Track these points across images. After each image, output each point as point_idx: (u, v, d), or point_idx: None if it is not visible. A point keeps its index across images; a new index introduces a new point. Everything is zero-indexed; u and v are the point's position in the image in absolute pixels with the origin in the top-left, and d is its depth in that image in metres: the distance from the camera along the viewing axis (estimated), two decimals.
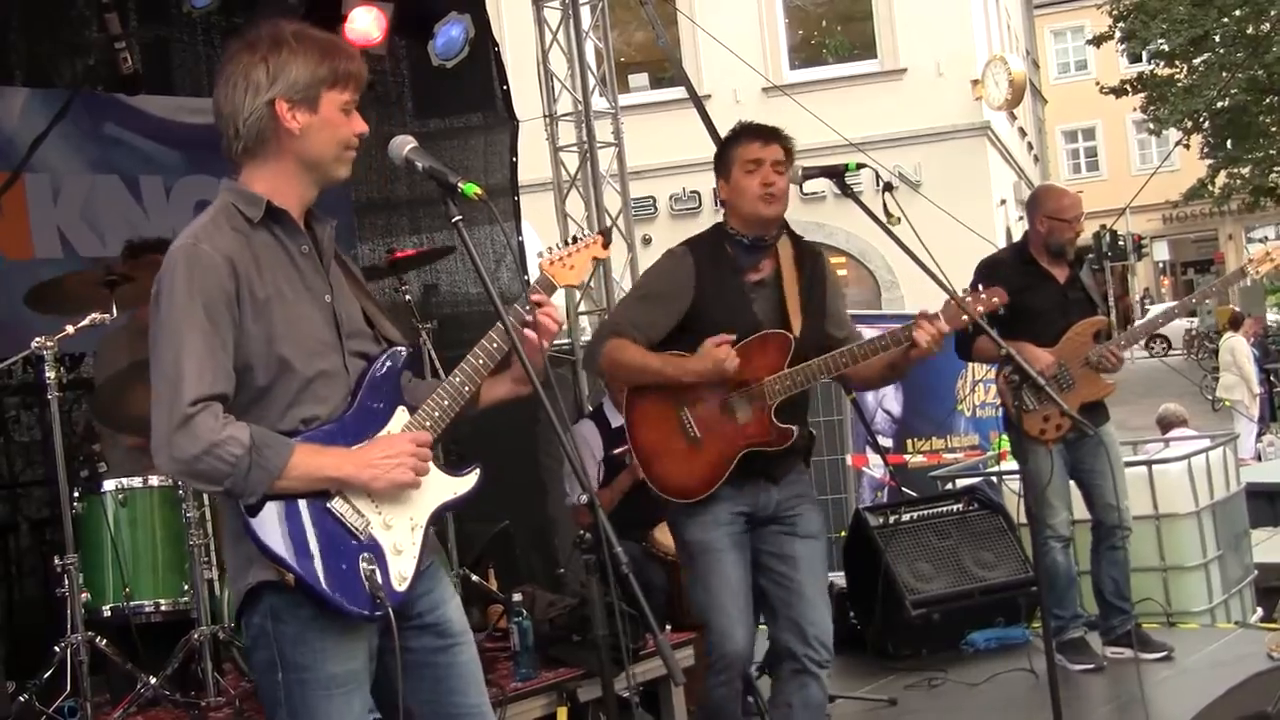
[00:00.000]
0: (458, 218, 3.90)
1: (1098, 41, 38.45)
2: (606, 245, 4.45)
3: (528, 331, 3.96)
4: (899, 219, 5.80)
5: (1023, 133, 31.51)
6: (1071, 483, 7.94)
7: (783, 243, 5.82)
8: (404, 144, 4.01)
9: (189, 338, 3.52)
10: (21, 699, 5.96)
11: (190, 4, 8.22)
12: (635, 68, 24.57)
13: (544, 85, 11.14)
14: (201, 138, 8.74)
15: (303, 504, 3.65)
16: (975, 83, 22.95)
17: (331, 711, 3.71)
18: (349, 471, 3.67)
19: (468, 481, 4.00)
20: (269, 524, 3.60)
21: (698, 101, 10.83)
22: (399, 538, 3.77)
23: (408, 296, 7.11)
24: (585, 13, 11.09)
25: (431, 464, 3.84)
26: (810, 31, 25.42)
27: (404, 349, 3.96)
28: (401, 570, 3.76)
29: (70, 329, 6.01)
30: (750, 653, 5.81)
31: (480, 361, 3.92)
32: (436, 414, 3.87)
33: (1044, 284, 7.82)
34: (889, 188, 5.84)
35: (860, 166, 5.77)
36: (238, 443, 3.51)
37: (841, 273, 23.58)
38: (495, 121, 10.65)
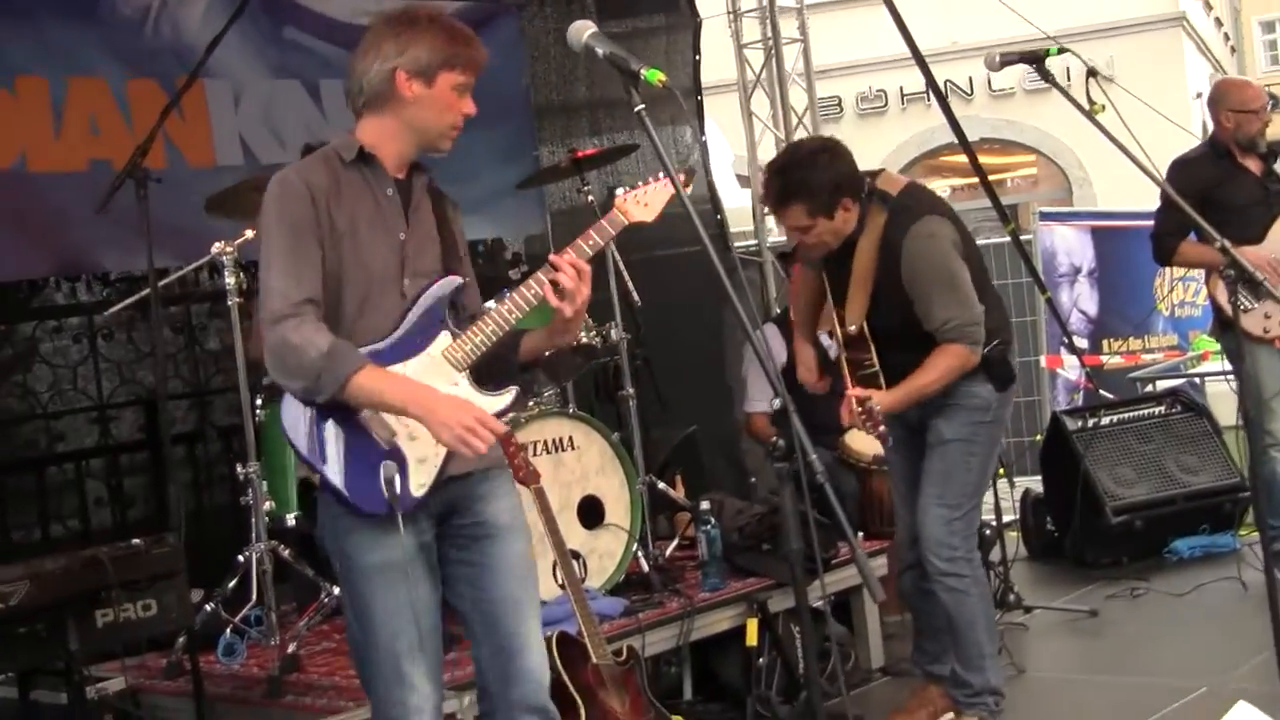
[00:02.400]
0: (640, 106, 3.75)
1: None
2: (688, 184, 4.63)
3: (557, 302, 4.10)
4: (1103, 107, 5.46)
5: (1219, 23, 30.50)
6: None
7: (871, 222, 5.58)
8: (583, 29, 3.88)
9: (278, 252, 3.94)
10: (207, 608, 5.88)
11: None
12: None
13: None
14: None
15: (332, 414, 3.97)
16: None
17: (375, 595, 4.03)
18: (416, 409, 3.91)
19: (501, 401, 4.11)
20: (298, 427, 3.99)
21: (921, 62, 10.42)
22: (424, 450, 3.99)
23: (590, 198, 6.88)
24: None
25: (466, 381, 4.07)
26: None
27: (457, 279, 4.20)
28: (421, 479, 4.01)
29: (249, 233, 5.88)
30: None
31: (531, 292, 4.08)
32: (477, 339, 4.09)
33: (1241, 177, 7.47)
34: (1092, 73, 5.47)
35: (1062, 51, 5.40)
36: (315, 347, 3.83)
37: (1031, 170, 23.05)
38: (677, 20, 10.38)
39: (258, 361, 6.57)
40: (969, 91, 23.01)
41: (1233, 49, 35.95)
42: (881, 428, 5.31)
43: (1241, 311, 7.17)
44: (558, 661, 5.19)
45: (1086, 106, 5.36)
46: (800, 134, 10.70)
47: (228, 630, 5.92)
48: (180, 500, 5.65)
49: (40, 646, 4.67)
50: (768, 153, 10.66)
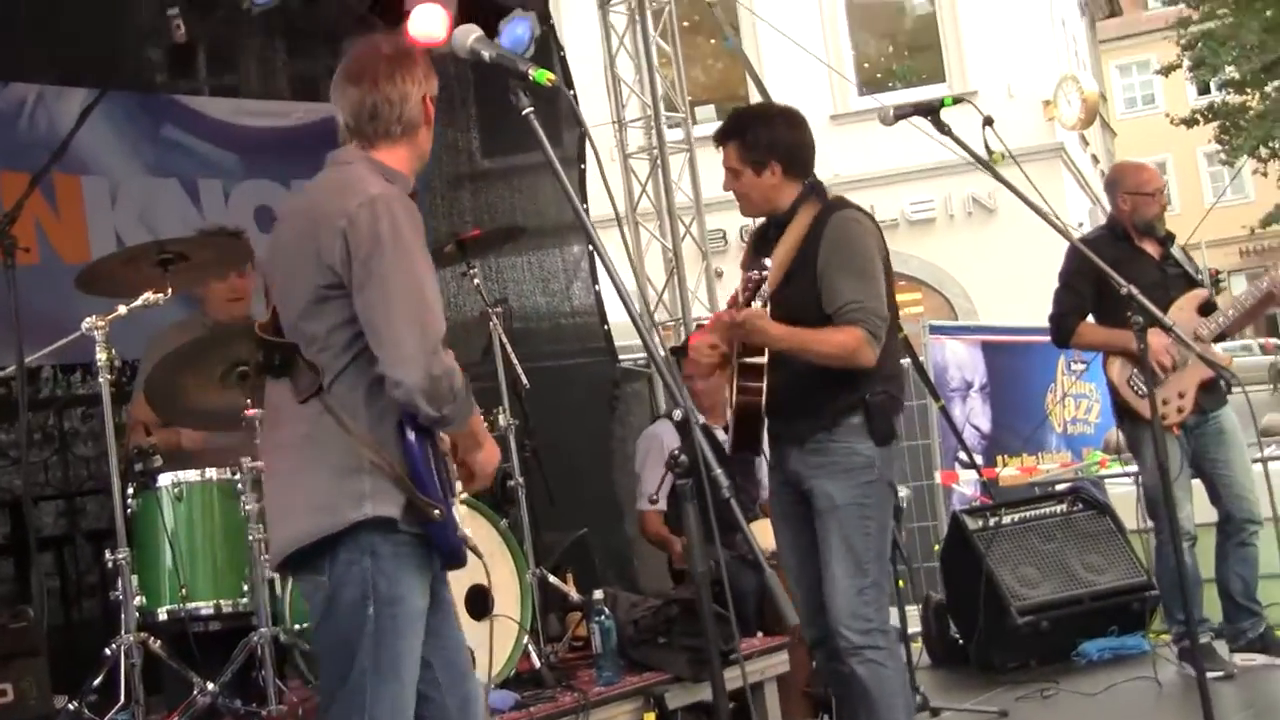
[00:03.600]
0: (528, 109, 3.77)
1: (1166, 71, 37.95)
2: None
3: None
4: (1002, 156, 5.39)
5: (1095, 159, 31.00)
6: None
7: (805, 210, 5.45)
8: (468, 34, 3.91)
9: (427, 275, 3.89)
10: (70, 706, 5.54)
11: (251, 1, 7.94)
12: (702, 102, 24.23)
13: (611, 90, 10.83)
14: (261, 141, 8.62)
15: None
16: (1047, 103, 22.51)
17: (414, 644, 3.92)
18: (489, 448, 4.24)
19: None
20: (423, 462, 3.86)
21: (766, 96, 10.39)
22: None
23: (475, 280, 6.73)
24: (650, 19, 10.77)
25: None
26: (876, 59, 25.13)
27: None
28: None
29: (123, 309, 5.69)
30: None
31: None
32: None
33: (1139, 260, 7.40)
34: (989, 122, 5.38)
35: (958, 101, 5.33)
36: (460, 376, 3.86)
37: (918, 303, 23.17)
38: (561, 155, 10.21)
39: (133, 446, 6.38)
40: None
41: None
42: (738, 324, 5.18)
43: (1137, 396, 7.15)
44: None
45: (984, 155, 5.24)
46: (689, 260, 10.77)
47: None
48: (43, 586, 5.36)
49: None
50: (655, 271, 10.66)
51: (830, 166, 20.97)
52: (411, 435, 3.86)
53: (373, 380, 3.86)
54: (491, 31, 9.22)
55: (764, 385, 5.31)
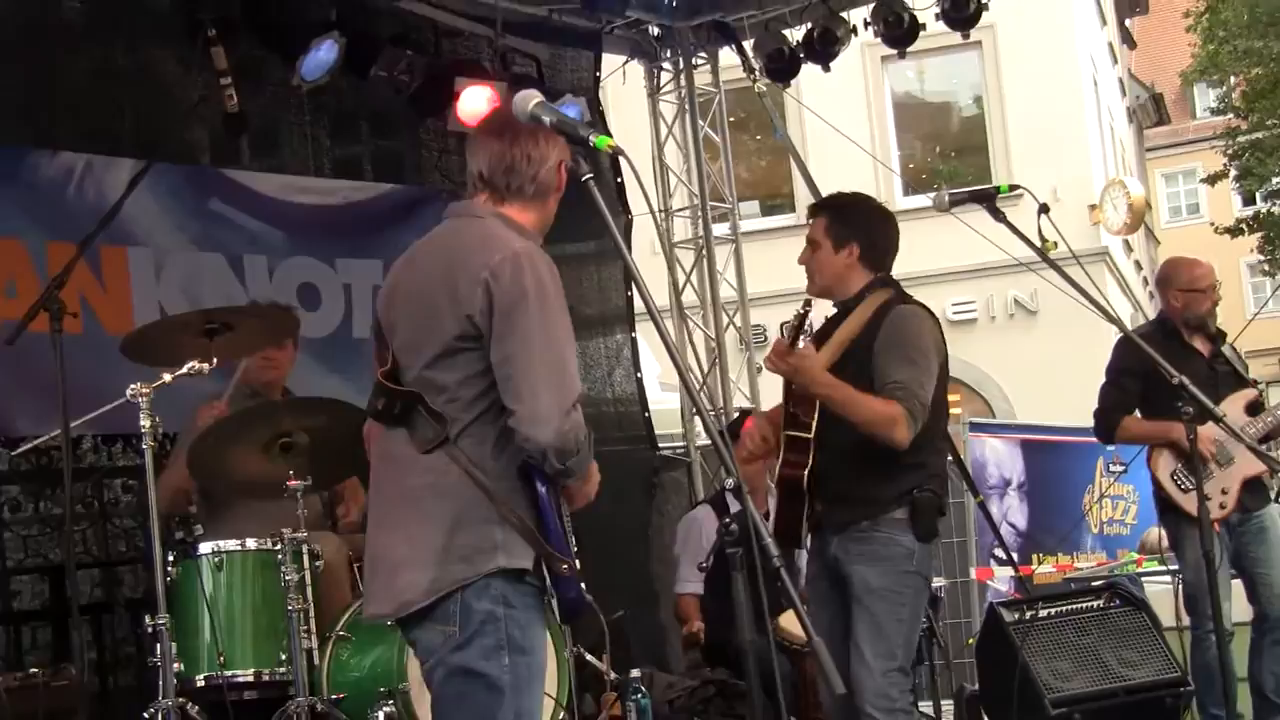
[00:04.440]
0: (588, 175, 3.80)
1: (1212, 180, 37.84)
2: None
3: None
4: (1055, 244, 5.41)
5: (1139, 266, 30.95)
6: None
7: (871, 299, 5.56)
8: (529, 99, 3.89)
9: (567, 335, 3.93)
10: None
11: (301, 77, 8.05)
12: (747, 197, 24.34)
13: (659, 179, 10.92)
14: (307, 218, 8.70)
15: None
16: (1093, 208, 22.37)
17: (540, 701, 3.99)
18: (593, 478, 4.13)
19: None
20: (553, 516, 3.89)
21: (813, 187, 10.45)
22: None
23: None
24: (698, 108, 10.89)
25: None
26: (922, 160, 25.19)
27: None
28: None
29: (167, 377, 5.75)
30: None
31: None
32: None
33: (1188, 357, 7.34)
34: (1044, 209, 5.42)
35: (1014, 189, 5.38)
36: (584, 432, 3.87)
37: (954, 398, 23.05)
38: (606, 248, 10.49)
39: (175, 519, 6.43)
40: None
41: (1151, 294, 36.53)
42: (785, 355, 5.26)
43: (1182, 492, 7.13)
44: None
45: (1038, 243, 5.28)
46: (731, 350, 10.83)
47: None
48: (84, 650, 5.39)
49: None
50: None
51: None
52: (542, 488, 3.88)
53: (500, 433, 3.86)
54: None
55: (809, 461, 5.41)
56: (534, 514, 3.88)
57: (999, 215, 5.39)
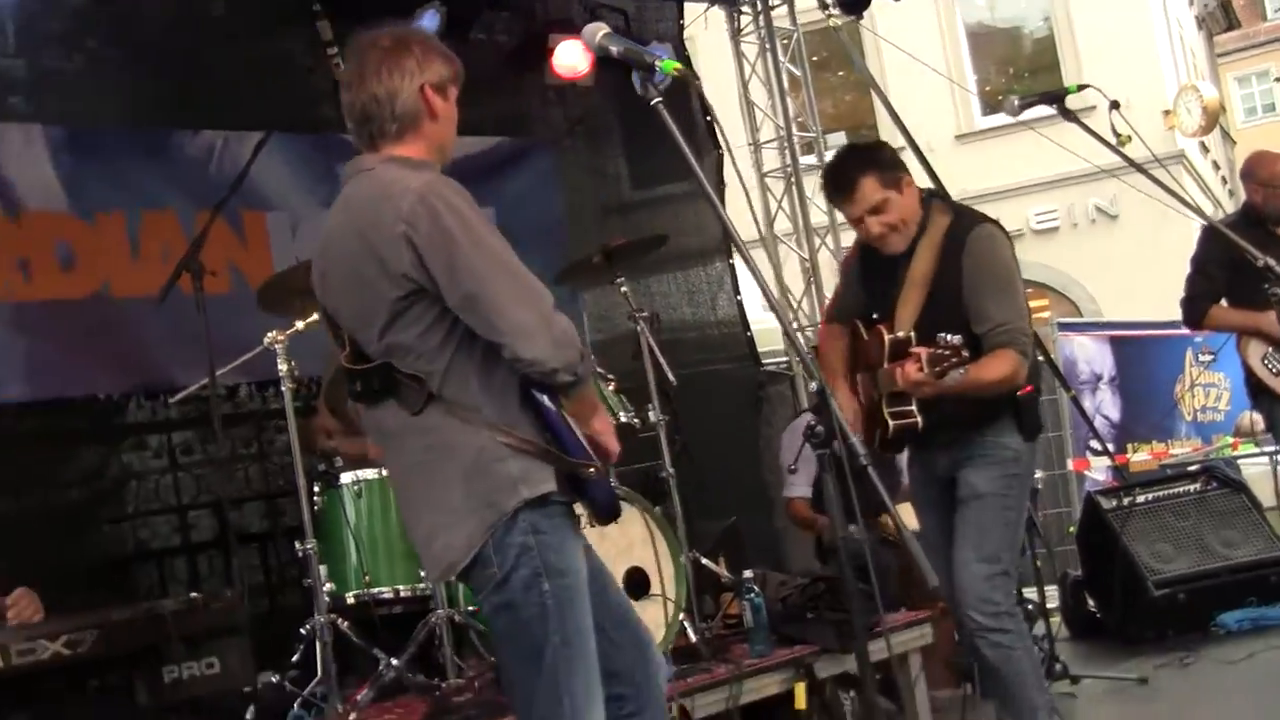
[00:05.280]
0: (657, 99, 3.65)
1: None
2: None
3: None
4: (1129, 138, 5.27)
5: (1216, 166, 30.27)
6: None
7: (935, 222, 5.26)
8: (596, 31, 3.80)
9: (505, 247, 3.62)
10: (273, 679, 5.73)
11: None
12: (833, 130, 24.12)
13: (746, 115, 10.87)
14: None
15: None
16: (1167, 113, 21.88)
17: (588, 609, 3.73)
18: (601, 413, 3.93)
19: None
20: (562, 425, 3.68)
21: (908, 135, 10.34)
22: None
23: (623, 289, 6.76)
24: (779, 46, 10.81)
25: None
26: (997, 81, 24.79)
27: None
28: None
29: (300, 324, 5.86)
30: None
31: None
32: None
33: (1272, 245, 7.10)
34: (1115, 105, 5.27)
35: (1083, 88, 5.22)
36: (574, 329, 3.64)
37: (1043, 303, 22.79)
38: (700, 151, 10.36)
39: (320, 450, 6.53)
40: None
41: (1230, 192, 35.86)
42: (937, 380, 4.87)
43: (1272, 374, 6.98)
44: None
45: (1112, 140, 5.15)
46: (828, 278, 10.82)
47: (295, 704, 5.73)
48: (243, 571, 5.49)
49: (109, 702, 4.43)
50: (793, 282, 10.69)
51: (958, 183, 20.60)
52: (546, 401, 3.66)
53: (479, 366, 3.63)
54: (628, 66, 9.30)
55: (915, 405, 5.19)
56: (544, 432, 3.67)
57: (1070, 115, 5.26)
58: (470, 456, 3.63)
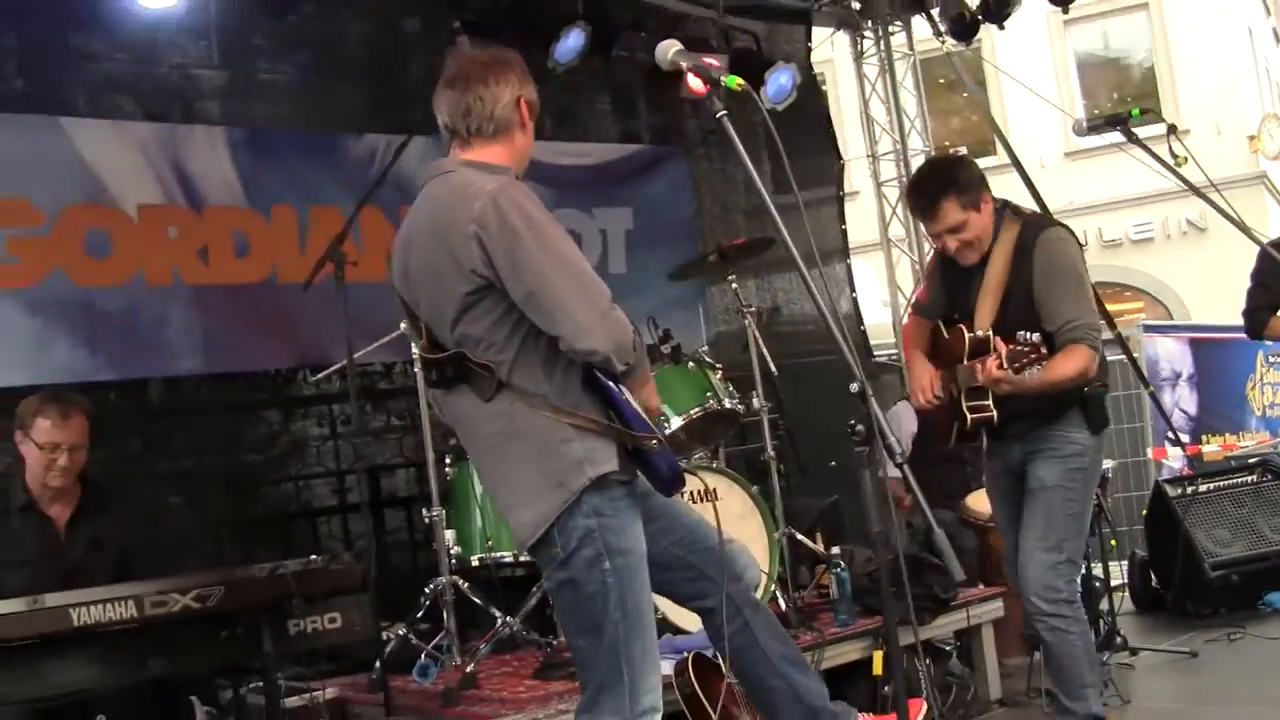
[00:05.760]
0: (722, 112, 3.41)
1: None
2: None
3: None
4: (1185, 159, 4.86)
5: None
6: None
7: (1006, 229, 4.90)
8: (669, 48, 3.52)
9: (569, 246, 3.43)
10: (399, 632, 5.53)
11: (555, 61, 7.86)
12: (954, 146, 23.52)
13: (865, 128, 10.47)
14: (568, 176, 8.49)
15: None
16: (1251, 138, 21.34)
17: (647, 585, 3.53)
18: (649, 386, 3.66)
19: None
20: (624, 402, 3.46)
21: (1013, 154, 9.88)
22: None
23: (734, 285, 6.43)
24: (900, 66, 10.39)
25: None
26: (1102, 103, 24.06)
27: None
28: None
29: None
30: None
31: None
32: None
33: None
34: (1172, 130, 4.87)
35: (1145, 112, 4.82)
36: (632, 327, 3.44)
37: (1139, 310, 22.10)
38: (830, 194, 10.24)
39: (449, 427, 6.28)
40: (1085, 244, 22.04)
41: None
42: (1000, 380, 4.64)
43: None
44: (693, 678, 4.65)
45: (1170, 161, 4.75)
46: None
47: (422, 654, 5.52)
48: (371, 535, 5.28)
49: (239, 648, 4.25)
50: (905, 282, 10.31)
51: (1066, 195, 20.18)
52: (608, 381, 3.45)
53: (545, 356, 3.43)
54: (759, 81, 8.95)
55: (992, 400, 4.86)
56: (607, 410, 3.45)
57: (1132, 136, 4.85)
58: (540, 439, 3.44)
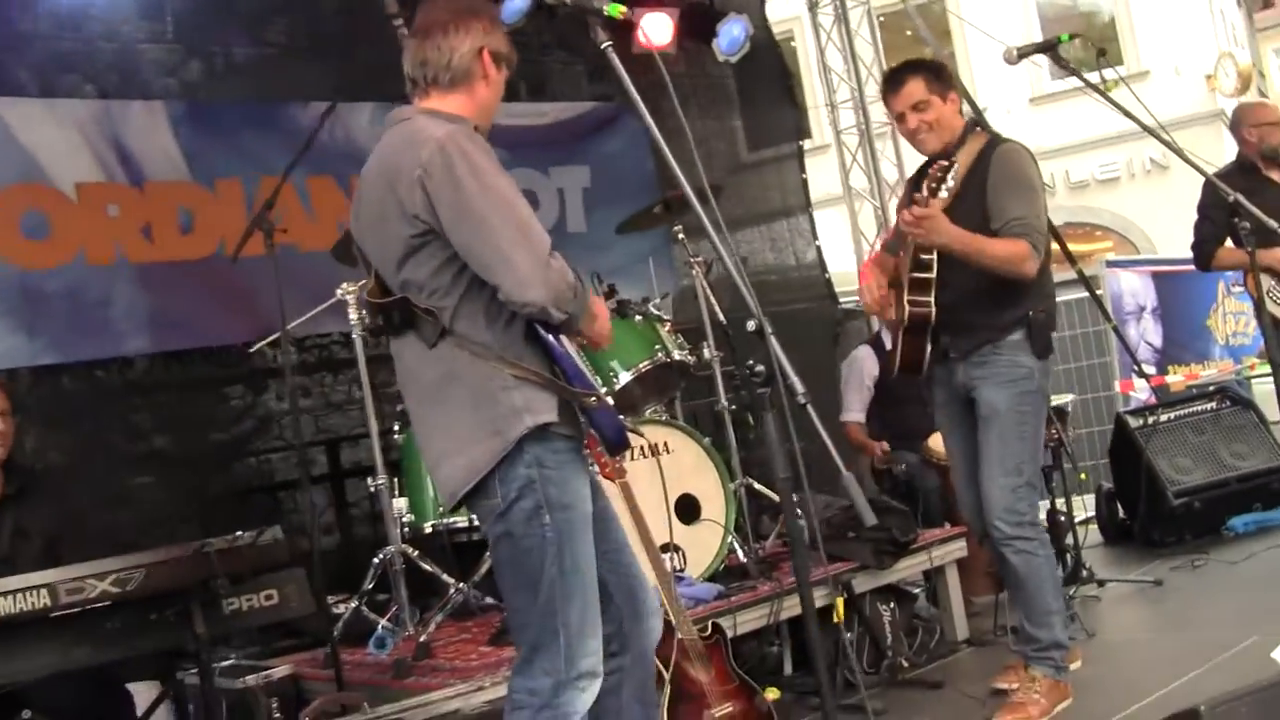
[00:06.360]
0: (607, 44, 3.25)
1: None
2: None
3: None
4: (1115, 83, 4.61)
5: None
6: None
7: (973, 140, 4.78)
8: None
9: (515, 195, 3.23)
10: (351, 605, 5.21)
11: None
12: None
13: (823, 78, 10.12)
14: (523, 137, 8.09)
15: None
16: (1209, 77, 21.13)
17: (590, 544, 3.31)
18: (601, 313, 3.45)
19: None
20: (566, 358, 3.28)
21: (973, 104, 9.56)
22: None
23: (680, 235, 6.09)
24: (855, 15, 10.02)
25: None
26: (1066, 51, 23.74)
27: None
28: None
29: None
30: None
31: None
32: None
33: (1267, 187, 6.43)
34: (1102, 53, 4.60)
35: (1074, 37, 4.56)
36: (571, 273, 3.23)
37: (1107, 245, 21.76)
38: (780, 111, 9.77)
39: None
40: (1051, 186, 21.87)
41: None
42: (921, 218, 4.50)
43: (1273, 301, 6.27)
44: None
45: (1100, 85, 4.46)
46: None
47: (380, 626, 5.22)
48: (314, 509, 4.97)
49: (171, 631, 3.90)
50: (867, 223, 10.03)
51: (1032, 139, 19.72)
52: (552, 338, 3.26)
53: (487, 305, 3.23)
54: (710, 34, 8.59)
55: (933, 299, 4.70)
56: (549, 364, 3.27)
57: (1061, 62, 4.58)
58: (478, 385, 3.24)
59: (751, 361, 2.84)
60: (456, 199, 3.16)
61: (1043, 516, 6.78)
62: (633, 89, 3.17)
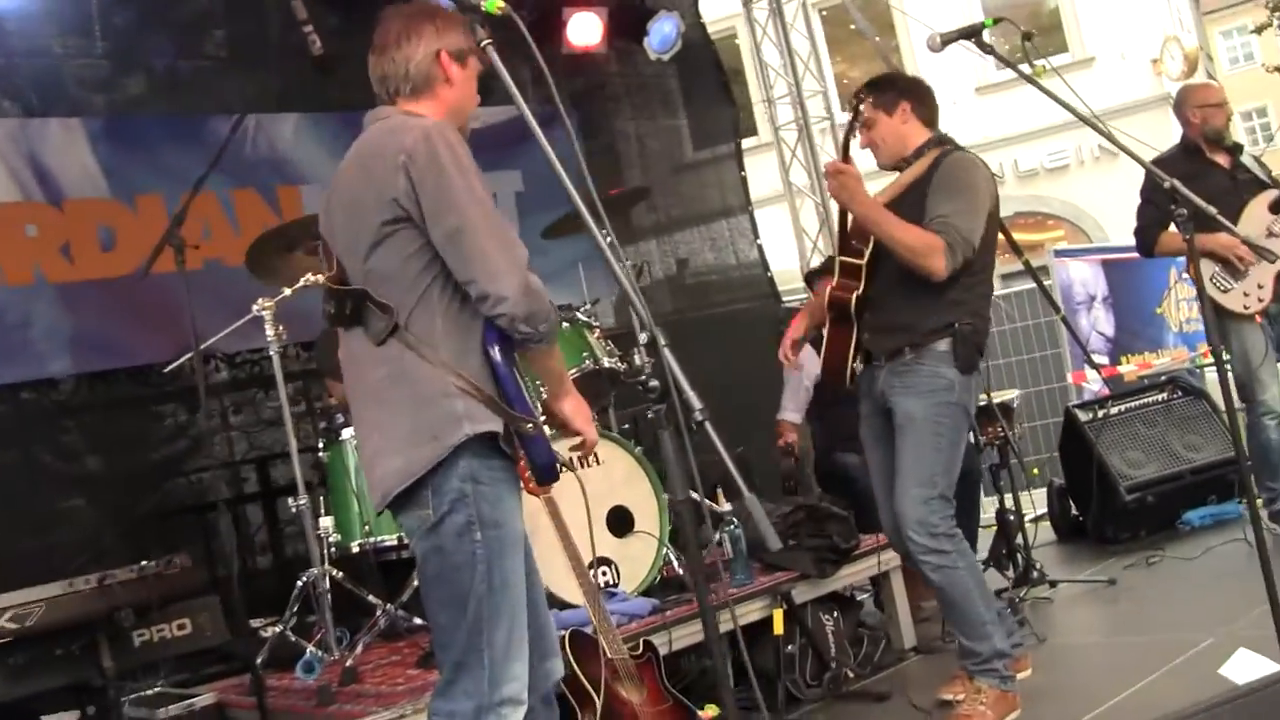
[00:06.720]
0: (486, 41, 3.16)
1: (1259, 30, 35.29)
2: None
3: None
4: (1044, 69, 4.50)
5: None
6: None
7: (929, 154, 4.71)
8: None
9: (492, 205, 3.17)
10: (275, 630, 5.04)
11: None
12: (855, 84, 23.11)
13: (759, 74, 10.01)
14: None
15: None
16: (1154, 61, 21.12)
17: (520, 564, 3.22)
18: (574, 394, 3.49)
19: None
20: (511, 380, 3.18)
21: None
22: None
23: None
24: (789, 9, 9.92)
25: None
26: (1010, 39, 23.78)
27: None
28: None
29: (287, 291, 5.12)
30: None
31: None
32: None
33: (1211, 171, 6.43)
34: (1028, 37, 4.50)
35: (998, 21, 4.46)
36: (546, 295, 3.17)
37: (1059, 234, 21.76)
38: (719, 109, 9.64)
39: (323, 407, 5.81)
40: (1001, 175, 21.86)
41: None
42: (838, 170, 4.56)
43: (1222, 292, 6.22)
44: (570, 658, 4.22)
45: (1028, 71, 4.37)
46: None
47: (308, 650, 5.04)
48: (232, 534, 4.81)
49: (78, 665, 3.85)
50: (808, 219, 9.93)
51: (979, 129, 19.88)
52: (498, 355, 3.17)
53: (447, 310, 3.16)
54: (641, 33, 8.48)
55: (860, 286, 4.65)
56: (493, 383, 3.17)
57: (986, 46, 4.48)
58: (421, 388, 3.14)
59: (647, 375, 2.70)
60: (440, 187, 3.10)
61: (991, 515, 6.74)
62: (513, 86, 3.08)
